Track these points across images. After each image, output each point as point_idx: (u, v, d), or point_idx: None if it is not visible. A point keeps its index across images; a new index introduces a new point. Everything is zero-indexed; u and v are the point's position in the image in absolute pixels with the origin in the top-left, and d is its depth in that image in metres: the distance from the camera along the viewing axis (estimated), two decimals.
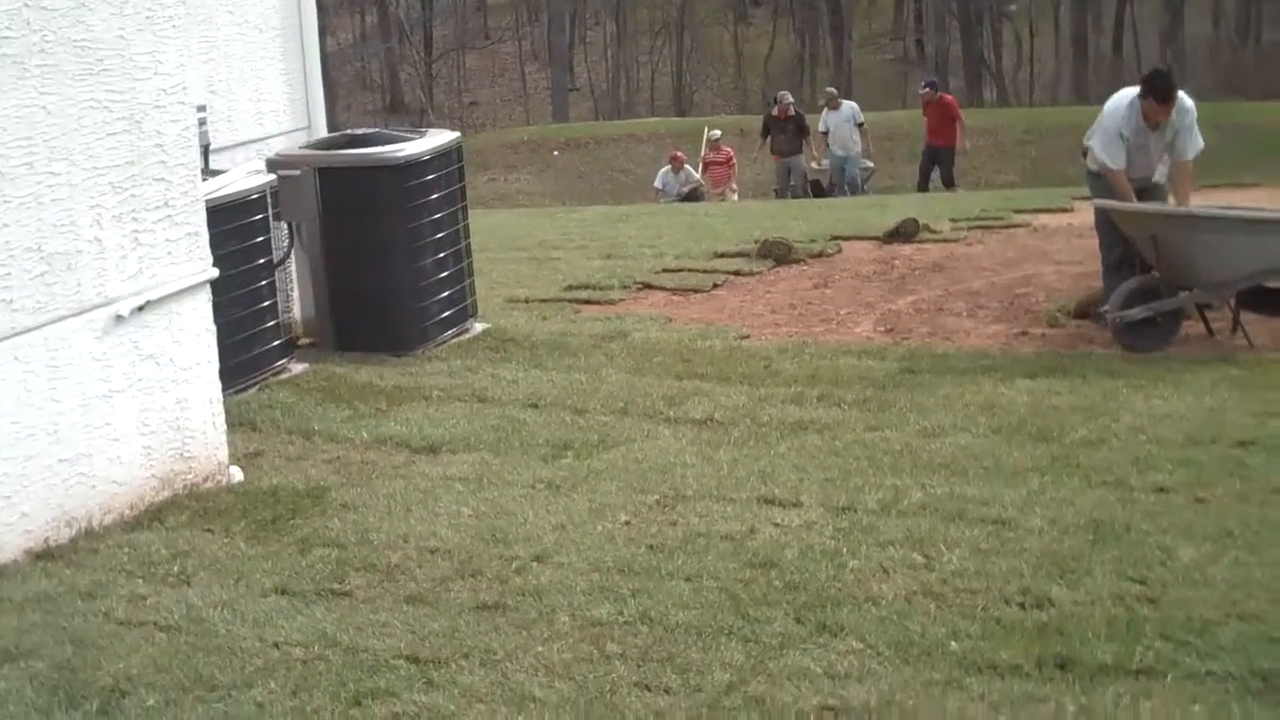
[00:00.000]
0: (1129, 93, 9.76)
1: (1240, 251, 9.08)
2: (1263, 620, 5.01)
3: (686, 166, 26.45)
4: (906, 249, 13.45)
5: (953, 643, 4.93)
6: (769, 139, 26.16)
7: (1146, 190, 9.86)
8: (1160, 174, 9.97)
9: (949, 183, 24.75)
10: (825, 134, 25.62)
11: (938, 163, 24.93)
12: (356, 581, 5.71)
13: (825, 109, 26.01)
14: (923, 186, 24.86)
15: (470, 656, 4.95)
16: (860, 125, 25.41)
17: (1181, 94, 9.67)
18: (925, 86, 26.80)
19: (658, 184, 26.64)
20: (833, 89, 28.33)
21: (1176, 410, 7.71)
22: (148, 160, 6.66)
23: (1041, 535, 5.90)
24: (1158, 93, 9.52)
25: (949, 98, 26.92)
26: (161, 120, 6.73)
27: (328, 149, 10.00)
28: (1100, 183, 9.87)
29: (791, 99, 26.64)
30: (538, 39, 61.20)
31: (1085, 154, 10.13)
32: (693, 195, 25.73)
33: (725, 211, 20.21)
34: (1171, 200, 9.99)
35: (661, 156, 29.42)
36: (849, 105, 26.00)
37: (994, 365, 8.96)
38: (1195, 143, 9.73)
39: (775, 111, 26.21)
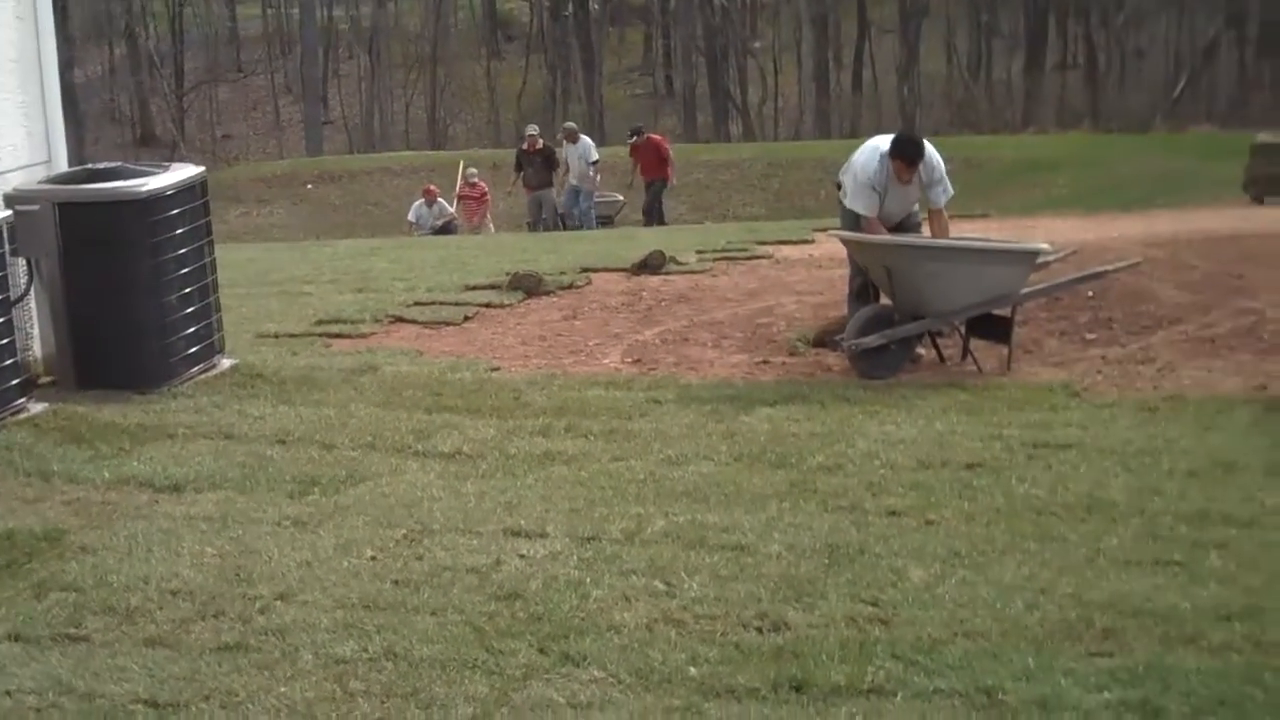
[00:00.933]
0: (880, 145, 10.10)
1: (967, 281, 9.45)
2: (986, 637, 5.23)
3: (440, 200, 26.56)
4: (654, 280, 13.67)
5: (692, 668, 5.03)
6: (521, 173, 26.42)
7: (901, 226, 10.22)
8: (914, 210, 10.36)
9: (652, 213, 25.65)
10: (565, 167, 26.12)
11: (648, 192, 25.78)
12: (94, 625, 5.59)
13: (564, 142, 26.41)
14: (659, 221, 25.56)
15: (211, 699, 4.90)
16: (594, 162, 25.81)
17: (930, 150, 10.07)
18: (632, 135, 27.45)
19: (411, 217, 26.70)
20: (571, 124, 28.79)
21: (909, 435, 7.99)
22: None
23: (779, 560, 6.07)
24: (905, 156, 9.95)
25: (656, 137, 27.77)
26: None
27: (68, 183, 9.79)
28: (850, 216, 10.20)
29: (536, 131, 26.94)
30: (291, 71, 60.46)
31: (839, 187, 10.46)
32: (446, 229, 25.85)
33: (477, 244, 20.25)
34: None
35: (416, 190, 29.48)
36: (585, 141, 26.42)
37: (736, 394, 9.16)
38: (946, 191, 10.18)
39: (525, 146, 26.47)
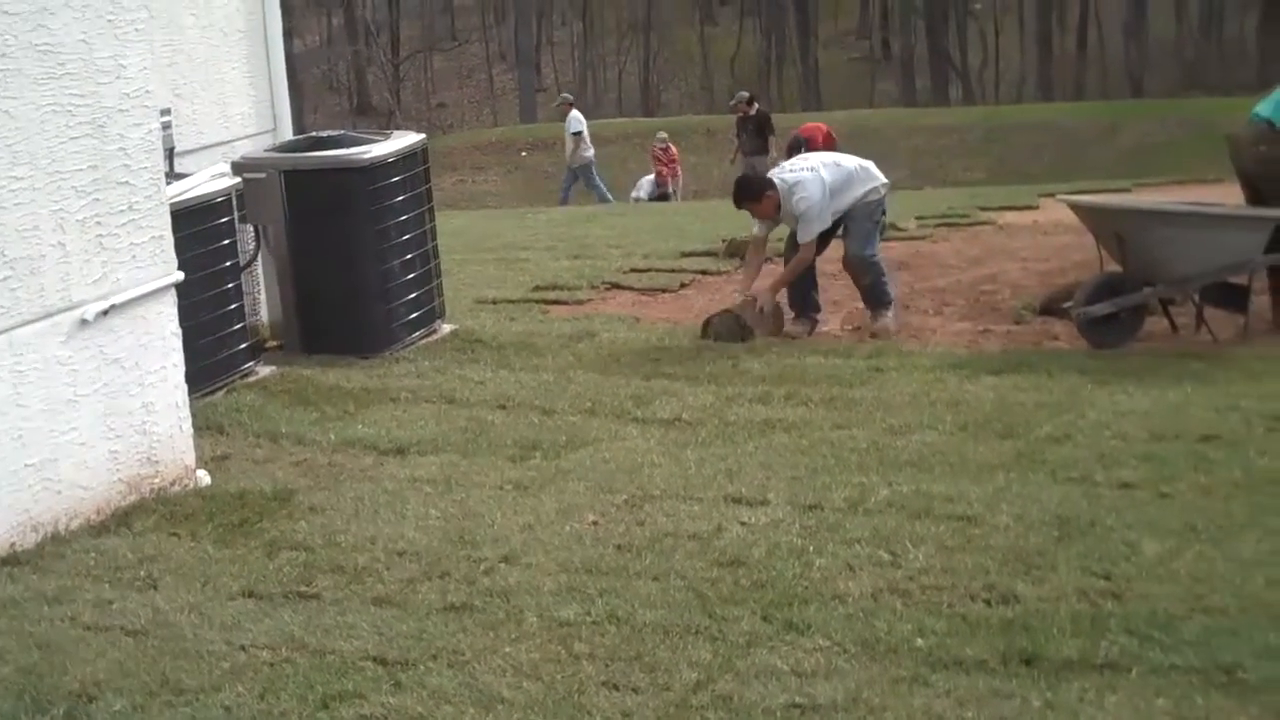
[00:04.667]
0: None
1: (1202, 247, 9.14)
2: (1226, 614, 5.04)
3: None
4: None
5: (919, 639, 4.94)
6: (739, 139, 26.54)
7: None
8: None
9: None
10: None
11: None
12: (324, 584, 5.69)
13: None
14: None
15: (438, 658, 4.95)
16: (576, 134, 25.78)
17: (785, 184, 10.05)
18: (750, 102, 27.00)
19: (643, 194, 27.01)
20: (566, 95, 28.85)
21: (1141, 406, 7.75)
22: (111, 164, 6.63)
23: (1007, 531, 5.93)
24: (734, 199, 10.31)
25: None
26: (125, 124, 6.70)
27: (293, 151, 9.98)
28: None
29: (746, 97, 27.00)
30: (505, 40, 61.22)
31: None
32: (662, 197, 26.32)
33: (692, 211, 20.25)
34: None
35: (629, 157, 29.92)
36: (573, 113, 26.40)
37: (960, 363, 9.00)
38: (804, 229, 10.10)
39: (738, 113, 26.63)
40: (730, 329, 9.84)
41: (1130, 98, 44.79)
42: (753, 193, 10.18)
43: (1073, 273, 11.18)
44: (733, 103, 26.97)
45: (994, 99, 49.37)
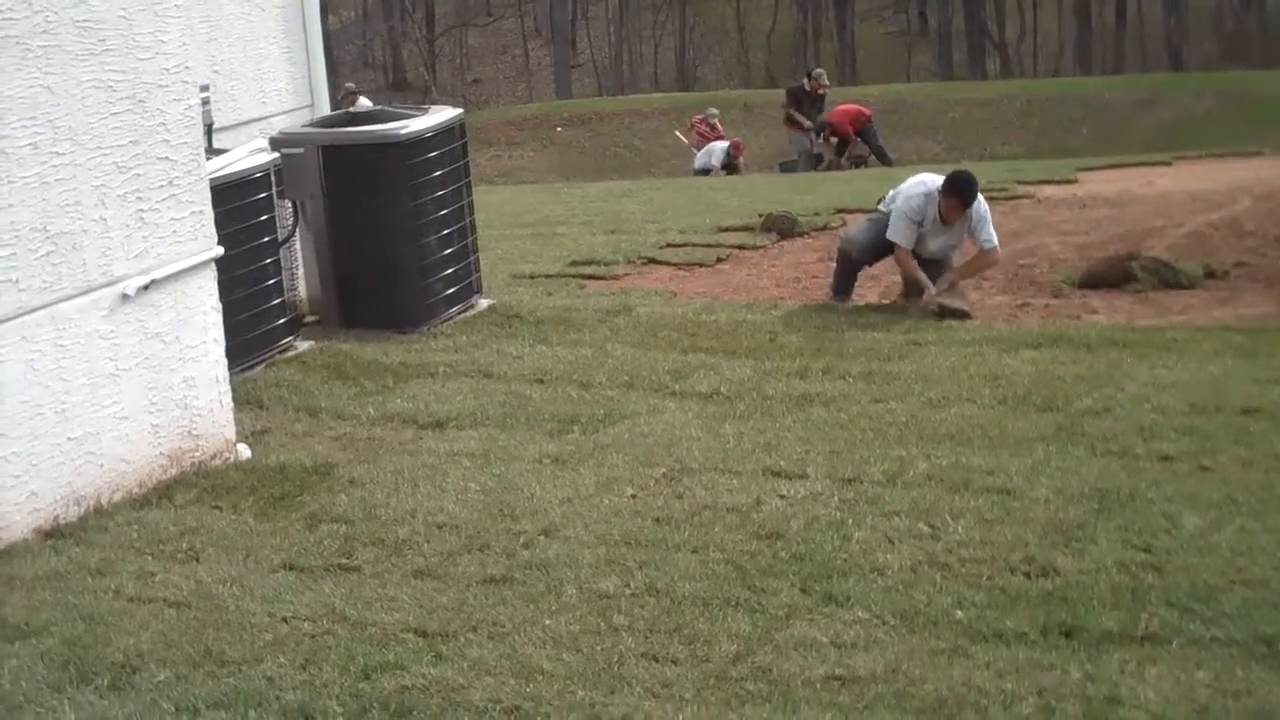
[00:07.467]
0: (931, 181, 9.99)
1: None
2: (1267, 586, 5.04)
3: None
4: None
5: (958, 612, 4.95)
6: (795, 109, 26.09)
7: (935, 263, 10.08)
8: (955, 258, 10.19)
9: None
10: None
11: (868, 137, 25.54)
12: (364, 556, 5.73)
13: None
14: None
15: (478, 629, 4.98)
16: None
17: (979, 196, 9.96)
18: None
19: (715, 163, 26.55)
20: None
21: (1181, 379, 7.73)
22: (151, 140, 6.67)
23: (1046, 504, 5.93)
24: (960, 194, 9.82)
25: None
26: (165, 100, 6.73)
27: (331, 127, 10.00)
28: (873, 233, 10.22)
29: (823, 73, 26.90)
30: (540, 15, 61.04)
31: (879, 202, 10.44)
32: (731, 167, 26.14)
33: (729, 185, 20.19)
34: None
35: (666, 131, 29.75)
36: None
37: (998, 336, 8.97)
38: (990, 240, 10.02)
39: (808, 87, 26.28)
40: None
41: (1169, 70, 44.44)
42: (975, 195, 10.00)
43: (1111, 246, 11.14)
44: (820, 80, 26.52)
45: (1032, 72, 49.00)
